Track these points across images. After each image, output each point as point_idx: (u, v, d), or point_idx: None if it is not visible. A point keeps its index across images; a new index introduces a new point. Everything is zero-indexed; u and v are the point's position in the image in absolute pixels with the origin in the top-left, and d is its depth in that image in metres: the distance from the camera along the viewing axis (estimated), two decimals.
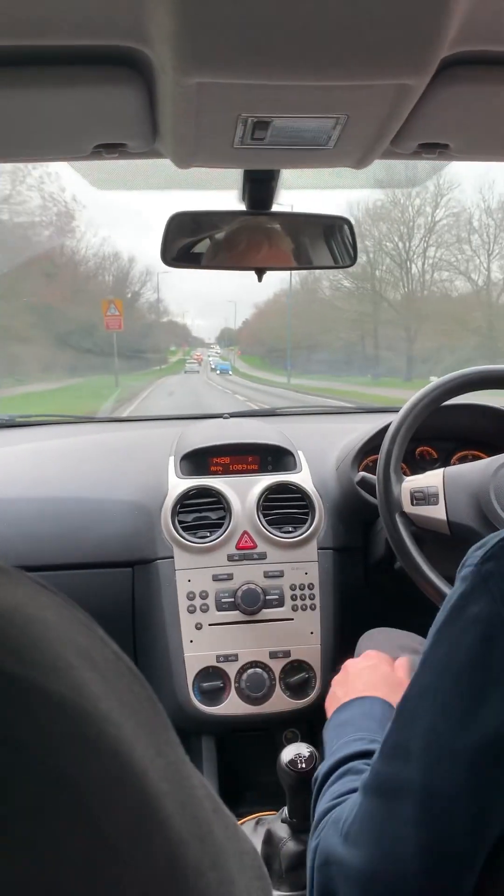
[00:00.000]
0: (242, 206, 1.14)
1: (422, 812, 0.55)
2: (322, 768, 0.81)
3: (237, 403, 15.92)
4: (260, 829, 1.26)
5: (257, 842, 1.19)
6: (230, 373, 43.19)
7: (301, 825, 1.09)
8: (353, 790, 0.69)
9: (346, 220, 1.19)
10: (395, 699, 0.76)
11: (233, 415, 2.02)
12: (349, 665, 1.02)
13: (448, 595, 0.61)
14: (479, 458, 1.57)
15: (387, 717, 0.81)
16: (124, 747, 0.25)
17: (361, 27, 0.63)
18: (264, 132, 0.83)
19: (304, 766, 1.05)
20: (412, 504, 1.21)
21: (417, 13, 0.62)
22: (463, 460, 1.63)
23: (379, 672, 0.97)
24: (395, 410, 2.09)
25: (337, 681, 1.01)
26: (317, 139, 0.86)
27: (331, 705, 0.96)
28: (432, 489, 1.20)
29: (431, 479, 1.22)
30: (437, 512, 1.19)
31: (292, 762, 1.06)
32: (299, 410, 2.42)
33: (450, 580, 1.12)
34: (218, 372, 41.90)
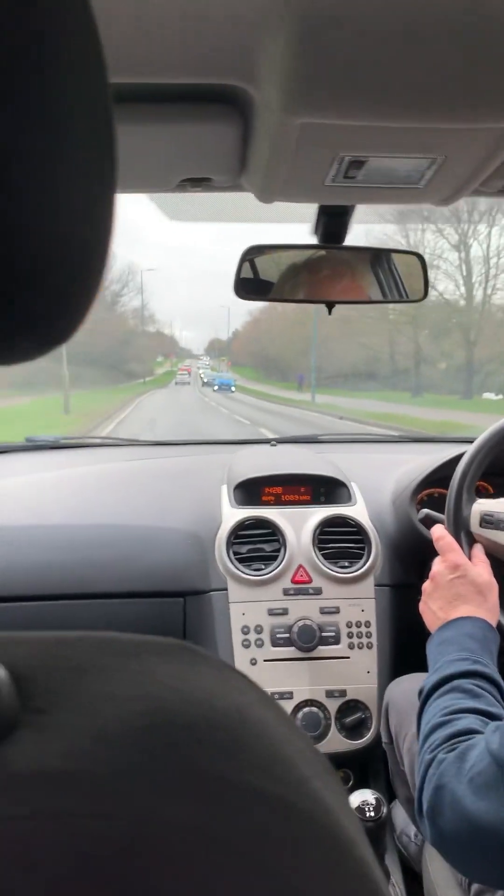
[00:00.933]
0: (314, 240, 1.13)
1: None
2: (428, 682, 0.87)
3: (252, 433, 13.75)
4: None
5: None
6: (233, 389, 35.81)
7: None
8: (464, 710, 0.79)
9: (418, 255, 1.18)
10: (486, 606, 0.97)
11: (279, 441, 2.01)
12: (436, 574, 1.07)
13: None
14: None
15: (488, 637, 0.93)
16: (366, 859, 0.23)
17: (467, 71, 0.62)
18: (358, 171, 0.82)
19: (372, 814, 1.02)
20: (480, 526, 1.18)
21: None
22: None
23: (468, 580, 1.02)
24: (444, 441, 2.08)
25: (428, 593, 1.06)
26: (409, 178, 0.85)
27: (430, 620, 1.02)
28: (503, 515, 1.18)
29: None
30: None
31: (359, 810, 1.03)
32: (340, 438, 2.40)
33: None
34: (216, 388, 35.39)
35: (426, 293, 1.19)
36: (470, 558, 1.12)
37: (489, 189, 0.94)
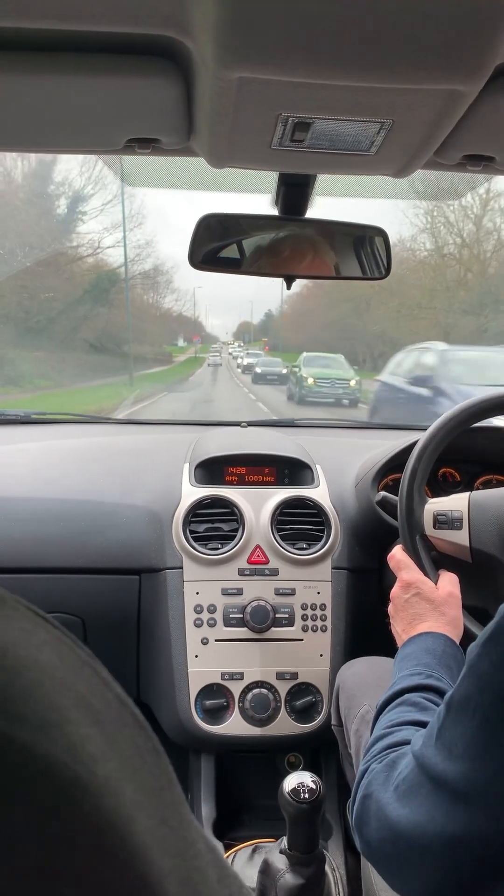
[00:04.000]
0: (275, 211, 1.11)
1: (450, 804, 0.62)
2: (382, 698, 0.88)
3: None
4: (257, 857, 1.21)
5: (253, 871, 1.14)
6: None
7: (300, 858, 1.05)
8: (406, 722, 0.80)
9: (381, 231, 1.15)
10: (444, 621, 1.00)
11: (250, 423, 1.98)
12: (394, 597, 1.08)
13: (499, 609, 0.62)
14: None
15: (447, 652, 0.93)
16: (122, 823, 0.21)
17: (415, 28, 0.60)
18: (304, 134, 0.80)
19: (307, 796, 1.01)
20: (434, 527, 1.15)
21: (475, 17, 0.59)
22: (487, 485, 1.58)
23: (423, 598, 1.03)
24: (418, 429, 2.06)
25: (391, 616, 1.08)
26: (359, 144, 0.82)
27: (398, 642, 1.03)
28: (456, 513, 1.15)
29: (456, 502, 1.17)
30: (460, 537, 1.14)
31: (295, 791, 1.01)
32: (319, 423, 2.38)
33: (468, 609, 1.08)
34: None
35: (388, 270, 1.16)
36: (426, 570, 1.10)
37: (447, 161, 0.92)
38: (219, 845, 1.38)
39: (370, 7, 0.58)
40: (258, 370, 22.27)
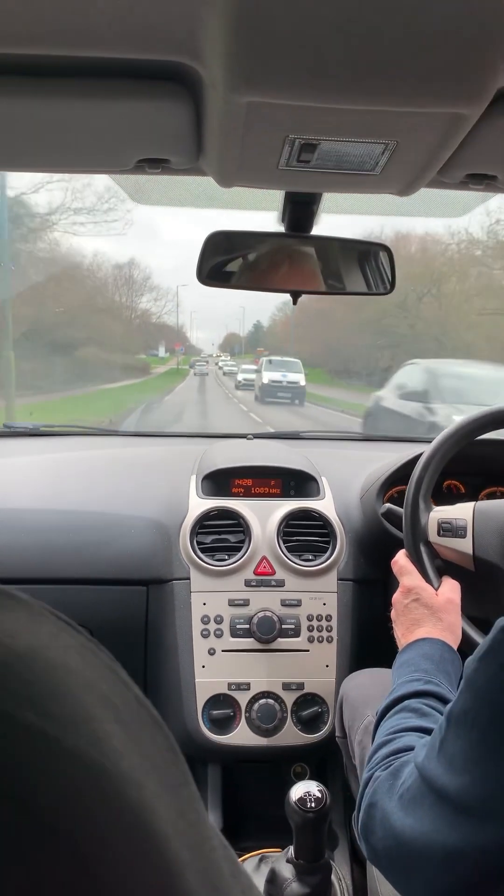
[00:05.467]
0: (281, 228, 1.13)
1: (453, 816, 0.63)
2: (382, 705, 0.89)
3: None
4: (264, 866, 1.22)
5: (260, 880, 1.15)
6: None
7: (307, 867, 1.05)
8: (407, 728, 0.80)
9: (385, 248, 1.17)
10: (441, 626, 1.01)
11: (257, 436, 2.00)
12: (395, 602, 1.09)
13: (496, 623, 0.63)
14: None
15: (445, 657, 0.94)
16: (146, 812, 0.23)
17: (418, 53, 0.62)
18: (311, 155, 0.82)
19: (313, 805, 1.02)
20: (438, 535, 1.16)
21: (475, 42, 0.61)
22: (491, 496, 1.59)
23: (421, 603, 1.05)
24: (423, 441, 2.07)
25: (393, 620, 1.09)
26: (363, 164, 0.84)
27: (399, 646, 1.04)
28: (461, 521, 1.16)
29: (461, 511, 1.18)
30: (464, 546, 1.15)
31: (301, 801, 1.02)
32: (324, 435, 2.39)
33: (470, 618, 1.09)
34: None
35: (392, 286, 1.18)
36: (429, 577, 1.11)
37: (450, 180, 0.94)
38: None
39: (375, 34, 0.60)
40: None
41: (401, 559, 1.15)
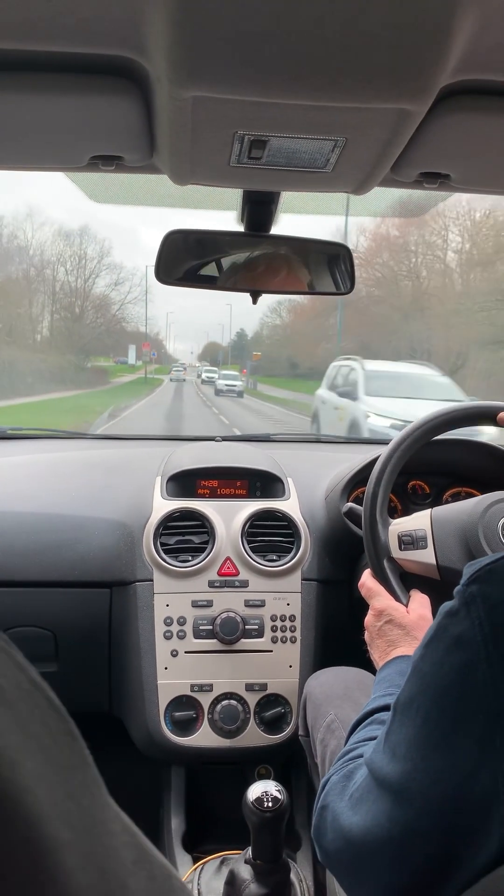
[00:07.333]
0: (240, 228, 1.13)
1: (392, 805, 0.63)
2: (355, 719, 0.89)
3: None
4: (224, 868, 1.21)
5: (220, 882, 1.14)
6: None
7: (265, 868, 1.05)
8: (372, 738, 0.78)
9: (344, 247, 1.18)
10: (416, 644, 0.91)
11: (225, 438, 2.00)
12: (368, 626, 1.08)
13: (440, 608, 0.63)
14: (472, 495, 1.54)
15: None
16: (16, 791, 0.22)
17: (361, 49, 0.62)
18: (261, 151, 0.82)
19: (270, 805, 1.01)
20: (400, 549, 1.14)
21: (418, 38, 0.61)
22: (456, 497, 1.60)
23: (395, 624, 1.04)
24: (388, 442, 2.08)
25: (368, 644, 1.08)
26: (315, 161, 0.84)
27: (375, 665, 1.04)
28: (420, 532, 1.14)
29: (419, 521, 1.16)
30: (427, 556, 1.13)
31: (259, 801, 1.01)
32: (293, 438, 2.40)
33: None
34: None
35: (352, 286, 1.19)
36: (398, 595, 1.10)
37: (404, 178, 0.95)
38: (188, 858, 1.38)
39: (316, 31, 0.60)
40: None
41: (367, 581, 1.14)
